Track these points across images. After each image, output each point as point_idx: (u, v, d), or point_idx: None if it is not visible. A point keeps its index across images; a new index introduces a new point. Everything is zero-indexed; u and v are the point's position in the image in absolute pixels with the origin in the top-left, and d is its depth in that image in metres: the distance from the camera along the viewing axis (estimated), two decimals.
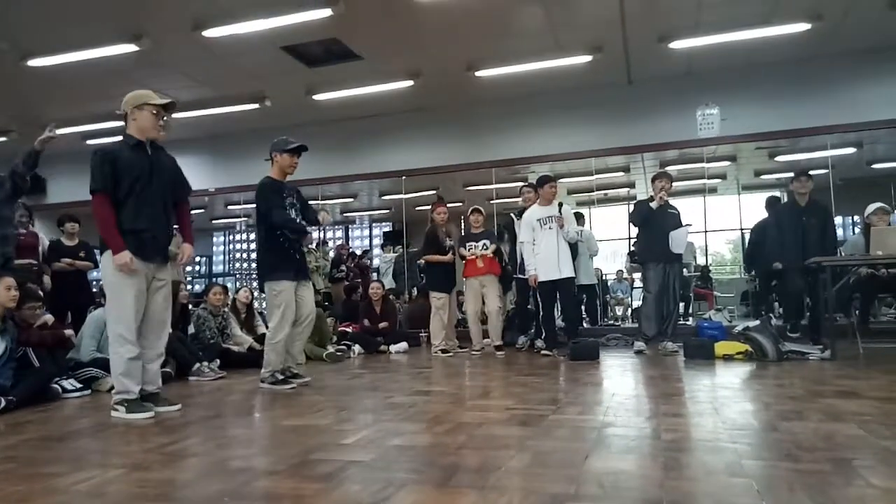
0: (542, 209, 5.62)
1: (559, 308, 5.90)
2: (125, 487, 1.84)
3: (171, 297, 3.46)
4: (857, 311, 5.67)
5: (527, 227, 5.66)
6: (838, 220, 9.10)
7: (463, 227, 6.70)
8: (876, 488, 1.62)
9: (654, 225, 5.64)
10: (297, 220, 4.07)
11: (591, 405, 3.14)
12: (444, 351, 6.08)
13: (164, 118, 3.30)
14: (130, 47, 6.13)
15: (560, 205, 5.57)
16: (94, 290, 6.68)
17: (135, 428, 2.84)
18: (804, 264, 5.30)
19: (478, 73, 7.11)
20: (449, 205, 6.62)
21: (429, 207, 6.57)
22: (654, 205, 5.61)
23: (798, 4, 5.84)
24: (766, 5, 5.79)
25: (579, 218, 6.72)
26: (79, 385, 3.95)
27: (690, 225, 5.64)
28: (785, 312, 6.13)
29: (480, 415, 2.84)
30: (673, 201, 5.91)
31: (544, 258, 5.55)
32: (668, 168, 8.93)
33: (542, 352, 5.65)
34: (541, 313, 5.82)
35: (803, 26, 6.09)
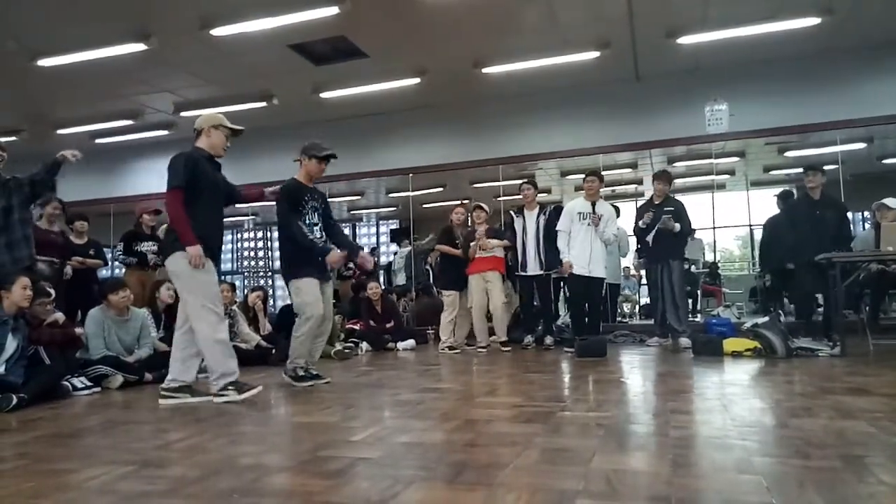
0: (585, 203, 5.65)
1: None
2: (136, 484, 1.85)
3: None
4: (867, 308, 5.63)
5: (567, 217, 5.70)
6: (847, 216, 9.02)
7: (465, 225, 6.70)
8: (887, 485, 1.61)
9: (649, 228, 5.74)
10: (310, 238, 3.91)
11: (599, 402, 3.14)
12: (451, 348, 6.09)
13: (229, 143, 3.65)
14: (138, 46, 6.16)
15: (593, 204, 5.58)
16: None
17: (144, 425, 2.86)
18: (817, 260, 5.27)
19: (484, 70, 7.10)
20: (454, 202, 6.64)
21: (436, 205, 6.59)
22: (642, 224, 5.74)
23: None
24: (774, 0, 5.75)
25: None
26: (89, 383, 3.98)
27: (668, 217, 5.67)
28: (797, 311, 6.09)
29: (488, 412, 2.84)
30: (681, 197, 5.94)
31: (577, 253, 5.58)
32: (676, 164, 8.92)
33: (565, 348, 5.67)
34: (568, 309, 5.88)
35: (812, 20, 6.04)
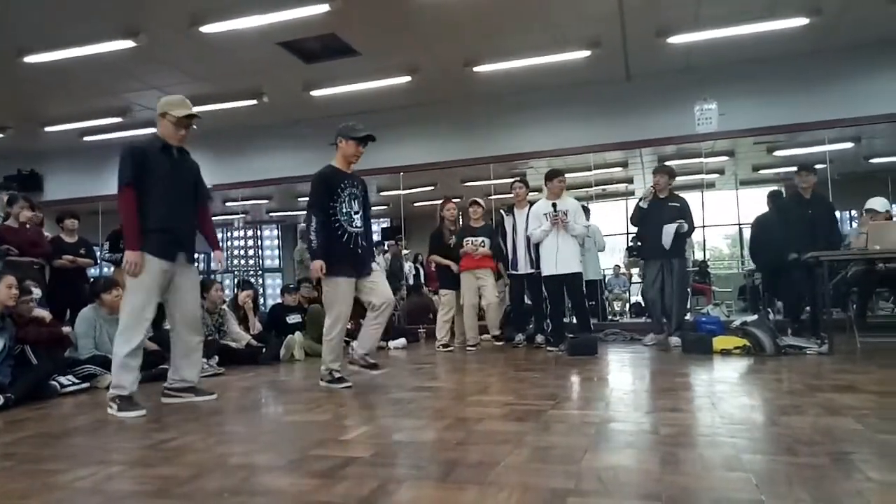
0: (547, 203, 5.61)
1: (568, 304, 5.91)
2: (125, 484, 1.84)
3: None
4: (854, 306, 5.68)
5: (534, 218, 5.68)
6: (836, 214, 9.10)
7: (461, 221, 6.67)
8: (874, 482, 1.63)
9: (651, 221, 5.66)
10: (313, 239, 3.67)
11: (590, 400, 3.15)
12: (444, 346, 6.09)
13: (187, 128, 3.41)
14: (127, 43, 6.11)
15: (554, 205, 5.51)
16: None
17: (134, 425, 2.84)
18: (805, 259, 5.28)
19: (476, 69, 7.10)
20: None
21: (427, 203, 6.54)
22: (643, 204, 5.64)
23: None
24: None
25: (585, 212, 6.56)
26: (77, 381, 3.95)
27: (682, 221, 5.58)
28: (786, 310, 6.10)
29: (480, 410, 2.84)
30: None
31: (546, 254, 5.56)
32: (666, 163, 8.94)
33: (548, 348, 5.65)
34: (549, 308, 5.84)
35: (801, 21, 6.08)
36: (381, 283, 3.85)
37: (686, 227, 5.57)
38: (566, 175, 5.84)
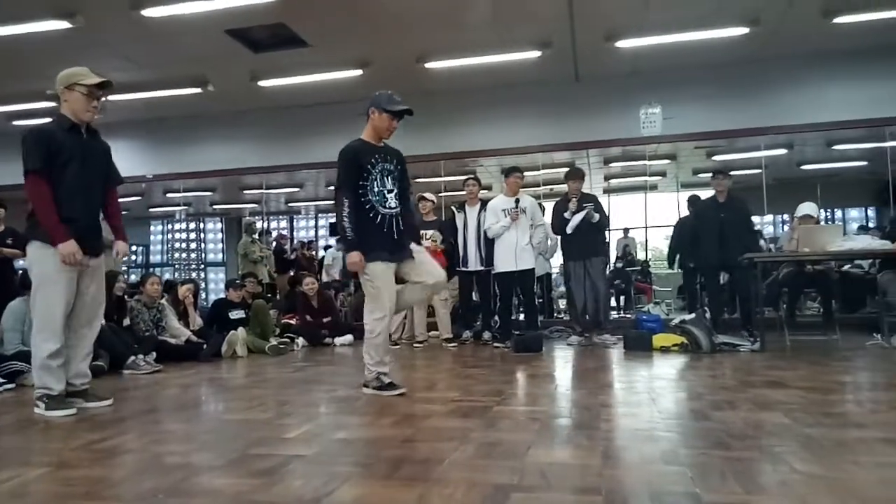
0: (508, 200, 5.65)
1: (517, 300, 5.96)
2: (50, 486, 1.75)
3: (106, 289, 3.27)
4: (784, 305, 5.95)
5: (492, 214, 5.70)
6: (769, 217, 9.54)
7: None
8: (799, 473, 1.71)
9: (568, 224, 5.77)
10: (347, 226, 3.21)
11: (534, 396, 3.19)
12: (394, 343, 6.06)
13: (99, 99, 3.04)
14: (62, 24, 5.82)
15: (517, 200, 5.57)
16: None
17: (62, 424, 2.71)
18: (724, 261, 5.47)
19: (427, 65, 7.09)
20: None
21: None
22: (567, 214, 5.70)
23: (738, 9, 6.06)
24: (708, 7, 5.98)
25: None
26: (1, 380, 3.73)
27: (590, 205, 5.63)
28: (709, 308, 6.27)
29: (426, 407, 2.84)
30: (615, 198, 6.05)
31: (505, 249, 5.59)
32: (612, 165, 9.17)
33: (495, 344, 5.69)
34: (498, 304, 5.87)
35: (742, 30, 6.33)
36: (428, 261, 3.41)
37: (595, 213, 5.60)
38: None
